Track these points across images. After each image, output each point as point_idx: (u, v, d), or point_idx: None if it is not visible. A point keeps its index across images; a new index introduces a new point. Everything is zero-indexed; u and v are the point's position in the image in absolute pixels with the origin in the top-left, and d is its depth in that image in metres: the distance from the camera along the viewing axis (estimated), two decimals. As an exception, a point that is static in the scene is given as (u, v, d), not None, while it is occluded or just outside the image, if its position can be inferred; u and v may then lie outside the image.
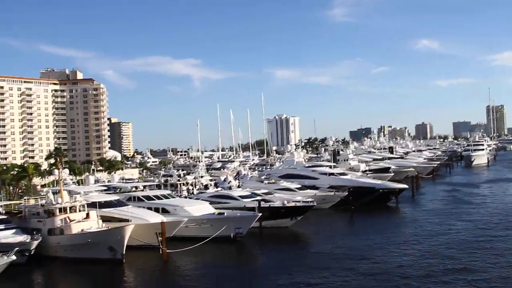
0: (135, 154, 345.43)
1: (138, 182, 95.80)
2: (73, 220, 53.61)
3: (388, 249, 50.96)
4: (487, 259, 45.08)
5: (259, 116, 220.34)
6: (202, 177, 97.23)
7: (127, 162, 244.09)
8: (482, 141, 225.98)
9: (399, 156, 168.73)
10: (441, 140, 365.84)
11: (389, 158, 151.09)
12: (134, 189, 75.94)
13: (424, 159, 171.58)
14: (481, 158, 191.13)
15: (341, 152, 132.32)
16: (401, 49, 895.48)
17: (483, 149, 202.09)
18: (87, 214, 55.03)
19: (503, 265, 42.92)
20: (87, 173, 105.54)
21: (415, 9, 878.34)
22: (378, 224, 69.42)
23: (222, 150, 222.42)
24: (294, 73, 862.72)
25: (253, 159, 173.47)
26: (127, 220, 54.36)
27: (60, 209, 54.19)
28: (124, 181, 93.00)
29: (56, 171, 75.35)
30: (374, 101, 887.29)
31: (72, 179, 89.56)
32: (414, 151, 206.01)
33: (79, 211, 55.19)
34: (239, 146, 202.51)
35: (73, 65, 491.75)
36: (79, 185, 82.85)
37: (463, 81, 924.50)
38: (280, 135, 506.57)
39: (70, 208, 54.78)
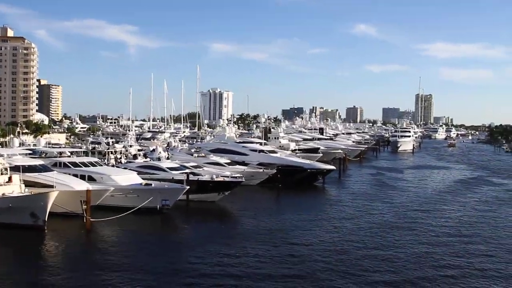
0: (64, 118, 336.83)
1: (65, 147, 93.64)
2: (-6, 183, 52.04)
3: (312, 227, 52.20)
4: (406, 238, 47.26)
5: (193, 89, 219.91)
6: (131, 146, 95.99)
7: (55, 127, 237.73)
8: (409, 128, 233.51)
9: (328, 137, 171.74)
10: (370, 124, 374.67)
11: (319, 139, 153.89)
12: (60, 154, 74.25)
13: (353, 142, 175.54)
14: (407, 144, 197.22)
15: (272, 130, 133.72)
16: (338, 32, 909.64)
17: (409, 136, 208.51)
18: (10, 178, 53.45)
19: (419, 243, 45.33)
20: (11, 135, 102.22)
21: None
22: (304, 203, 70.92)
23: (153, 120, 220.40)
24: (230, 47, 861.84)
25: (184, 131, 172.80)
26: (52, 186, 53.16)
27: (-20, 171, 52.50)
28: (51, 146, 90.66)
29: (-22, 132, 72.84)
30: (308, 81, 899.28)
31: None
32: (343, 133, 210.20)
33: (1, 174, 53.51)
34: (170, 118, 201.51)
35: (3, 21, 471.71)
36: (2, 147, 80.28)
37: (394, 68, 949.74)
38: (212, 109, 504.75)
39: (-8, 170, 53.12)
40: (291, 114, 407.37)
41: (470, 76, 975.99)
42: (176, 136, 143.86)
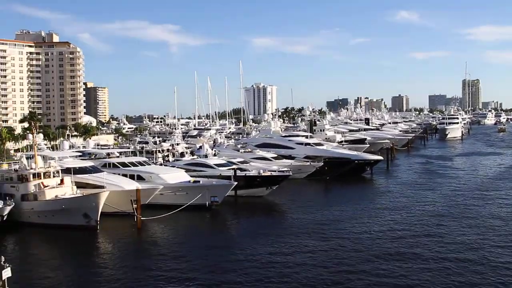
0: (111, 120, 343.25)
1: (113, 148, 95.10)
2: (47, 186, 53.19)
3: (362, 219, 51.58)
4: (457, 228, 46.19)
5: (236, 84, 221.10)
6: (178, 144, 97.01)
7: (103, 128, 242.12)
8: (457, 115, 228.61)
9: (375, 127, 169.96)
10: (417, 112, 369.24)
11: (365, 130, 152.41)
12: (109, 155, 75.39)
13: (400, 131, 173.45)
14: (455, 131, 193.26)
15: (317, 122, 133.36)
16: (380, 20, 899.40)
17: (457, 123, 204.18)
18: (62, 180, 54.63)
19: (473, 232, 44.23)
20: (61, 138, 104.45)
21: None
22: (352, 194, 70.13)
23: (198, 118, 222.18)
24: (272, 41, 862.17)
25: (229, 128, 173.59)
26: (102, 187, 54.12)
27: (34, 175, 53.73)
28: (99, 147, 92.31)
29: (30, 136, 74.22)
30: (352, 72, 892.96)
31: (46, 144, 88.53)
32: (390, 123, 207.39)
33: (53, 176, 54.76)
34: (215, 114, 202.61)
35: (49, 27, 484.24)
36: (53, 150, 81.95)
37: (439, 54, 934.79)
38: (257, 104, 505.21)
39: (44, 173, 54.32)
40: (336, 105, 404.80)
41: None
42: (222, 132, 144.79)
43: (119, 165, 64.85)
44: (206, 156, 77.16)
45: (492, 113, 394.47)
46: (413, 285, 31.70)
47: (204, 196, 57.71)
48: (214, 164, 71.02)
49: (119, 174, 61.37)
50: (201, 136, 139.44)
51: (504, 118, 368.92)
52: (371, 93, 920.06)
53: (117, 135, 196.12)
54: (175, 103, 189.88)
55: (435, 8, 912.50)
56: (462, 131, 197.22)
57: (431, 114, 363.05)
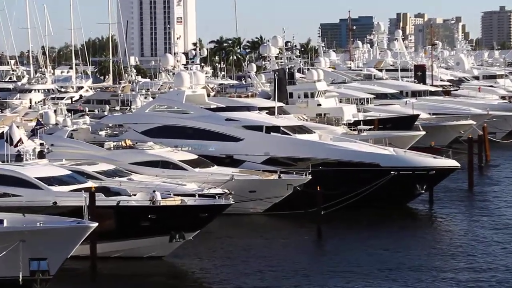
0: None
1: None
2: None
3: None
4: None
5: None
6: None
7: None
8: None
9: (440, 89, 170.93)
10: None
11: (416, 95, 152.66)
12: None
13: (501, 98, 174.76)
14: None
15: (298, 76, 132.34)
16: None
17: None
18: None
19: None
20: None
21: None
22: (378, 256, 68.46)
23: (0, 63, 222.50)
24: None
25: (81, 87, 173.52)
26: None
27: None
28: None
29: None
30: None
31: None
32: (477, 78, 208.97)
33: None
34: (45, 54, 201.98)
35: None
36: None
37: None
38: (148, 30, 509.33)
39: None
40: (344, 33, 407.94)
41: None
42: (60, 98, 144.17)
43: None
44: (19, 157, 75.05)
45: None
46: None
47: (14, 259, 55.87)
48: (38, 179, 69.18)
49: None
50: (8, 108, 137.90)
51: None
52: (430, 5, 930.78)
53: None
54: None
55: None
56: None
57: None
